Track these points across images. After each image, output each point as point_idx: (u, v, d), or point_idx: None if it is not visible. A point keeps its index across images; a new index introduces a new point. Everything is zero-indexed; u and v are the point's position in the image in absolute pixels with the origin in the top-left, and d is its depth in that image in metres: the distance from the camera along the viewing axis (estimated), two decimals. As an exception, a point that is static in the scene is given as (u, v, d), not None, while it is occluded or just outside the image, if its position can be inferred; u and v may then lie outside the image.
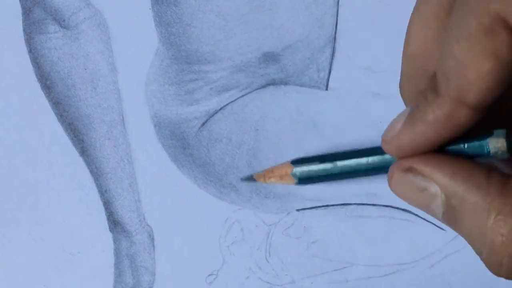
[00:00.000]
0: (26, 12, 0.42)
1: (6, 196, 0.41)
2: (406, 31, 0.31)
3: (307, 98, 0.41)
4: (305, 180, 0.34)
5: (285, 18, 0.41)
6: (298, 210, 0.40)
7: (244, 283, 0.39)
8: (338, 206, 0.39)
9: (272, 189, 0.40)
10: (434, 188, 0.29)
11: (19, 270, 0.40)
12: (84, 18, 0.42)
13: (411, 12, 0.31)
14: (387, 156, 0.33)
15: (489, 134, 0.29)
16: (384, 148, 0.31)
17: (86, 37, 0.42)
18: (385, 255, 0.39)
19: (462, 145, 0.29)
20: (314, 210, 0.40)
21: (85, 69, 0.41)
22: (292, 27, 0.41)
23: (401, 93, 0.33)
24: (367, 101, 0.40)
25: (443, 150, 0.30)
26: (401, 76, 0.33)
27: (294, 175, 0.35)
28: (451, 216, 0.28)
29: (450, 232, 0.39)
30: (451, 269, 0.38)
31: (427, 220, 0.39)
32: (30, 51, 0.42)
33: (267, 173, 0.36)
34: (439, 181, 0.28)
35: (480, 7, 0.25)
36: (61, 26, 0.42)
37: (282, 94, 0.41)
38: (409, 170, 0.30)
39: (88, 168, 0.41)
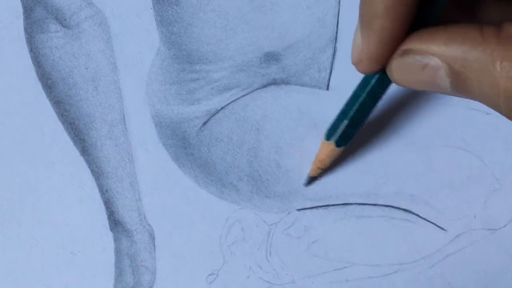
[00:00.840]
0: (27, 11, 0.42)
1: (7, 195, 0.41)
2: None
3: (308, 98, 0.41)
4: (343, 140, 0.37)
5: (286, 18, 0.41)
6: (298, 209, 0.40)
7: (245, 283, 0.39)
8: (339, 206, 0.39)
9: (273, 189, 0.40)
10: (434, 61, 0.28)
11: (20, 269, 0.40)
12: (85, 17, 0.42)
13: None
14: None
15: None
16: (361, 71, 0.32)
17: (87, 37, 0.42)
18: (386, 255, 0.39)
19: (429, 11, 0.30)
20: (314, 210, 0.40)
21: (86, 68, 0.41)
22: (293, 26, 0.41)
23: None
24: (368, 101, 0.40)
25: (424, 28, 0.29)
26: None
27: (331, 142, 0.37)
28: (459, 83, 0.28)
29: (450, 232, 0.39)
30: (451, 269, 0.38)
31: (427, 220, 0.39)
32: (31, 50, 0.42)
33: (315, 163, 0.37)
34: (436, 52, 0.28)
35: None
36: (62, 25, 0.42)
37: (283, 94, 0.41)
38: (406, 52, 0.30)
39: (89, 167, 0.41)
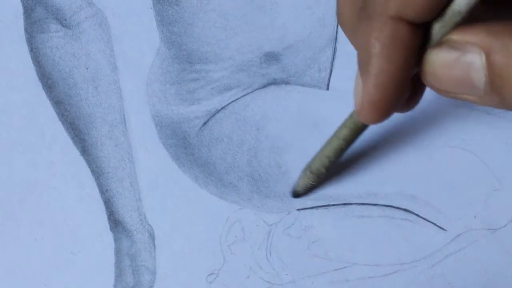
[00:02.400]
0: (28, 11, 0.42)
1: (7, 195, 0.41)
2: None
3: (308, 98, 0.41)
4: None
5: (286, 18, 0.41)
6: (298, 209, 0.40)
7: (245, 283, 0.39)
8: (339, 206, 0.39)
9: (273, 189, 0.40)
10: (471, 51, 0.25)
11: (20, 269, 0.40)
12: (86, 17, 0.42)
13: None
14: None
15: None
16: (363, 119, 0.28)
17: (88, 37, 0.42)
18: (386, 255, 0.39)
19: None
20: (314, 209, 0.40)
21: (87, 68, 0.41)
22: (293, 26, 0.41)
23: (340, 22, 0.30)
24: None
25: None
26: (338, 4, 0.30)
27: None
28: (497, 78, 0.25)
29: (450, 232, 0.39)
30: (452, 269, 0.38)
31: (428, 220, 0.39)
32: (31, 50, 0.42)
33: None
34: (475, 40, 0.25)
35: None
36: (63, 25, 0.42)
37: (283, 94, 0.41)
38: (440, 44, 0.26)
39: (89, 167, 0.41)
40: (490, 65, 0.25)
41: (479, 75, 0.25)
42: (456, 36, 0.26)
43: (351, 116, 0.34)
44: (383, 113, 0.28)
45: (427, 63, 0.27)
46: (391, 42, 0.25)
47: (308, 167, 0.38)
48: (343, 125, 0.35)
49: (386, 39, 0.25)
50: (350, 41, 0.29)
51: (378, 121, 0.29)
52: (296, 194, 0.39)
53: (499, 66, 0.25)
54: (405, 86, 0.27)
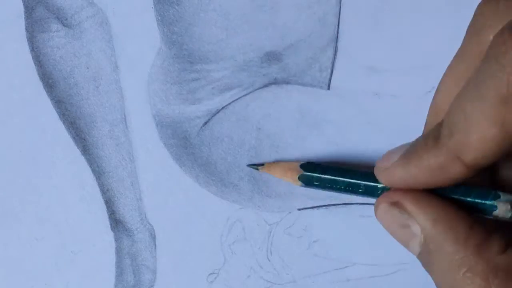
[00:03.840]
0: (29, 11, 0.42)
1: (8, 195, 0.41)
2: (437, 85, 0.32)
3: (309, 97, 0.41)
4: (307, 184, 0.37)
5: (287, 18, 0.41)
6: (299, 209, 0.40)
7: (245, 282, 0.39)
8: (340, 206, 0.39)
9: (274, 188, 0.40)
10: (415, 228, 0.29)
11: (20, 268, 0.40)
12: (87, 16, 0.42)
13: (448, 65, 0.31)
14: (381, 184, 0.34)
15: (495, 195, 0.30)
16: (376, 175, 0.32)
17: (89, 36, 0.42)
18: (387, 255, 0.39)
19: (463, 198, 0.30)
20: (315, 209, 0.40)
21: (87, 67, 0.41)
22: (294, 26, 0.41)
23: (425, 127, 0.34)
24: (369, 101, 0.40)
25: (438, 192, 0.30)
26: (425, 128, 0.34)
27: (300, 177, 0.36)
28: (426, 258, 0.29)
29: (451, 232, 0.39)
30: (452, 269, 0.38)
31: (428, 220, 0.39)
32: (32, 50, 0.42)
33: (273, 166, 0.37)
34: (421, 223, 0.29)
35: (503, 77, 0.25)
36: (64, 25, 0.42)
37: (284, 94, 0.41)
38: (396, 204, 0.30)
39: (90, 166, 0.41)
40: (424, 248, 0.29)
41: (415, 248, 0.30)
42: (410, 207, 0.29)
43: None
44: (395, 187, 0.31)
45: (380, 211, 0.31)
46: (438, 169, 0.28)
47: None
48: None
49: (437, 165, 0.28)
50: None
51: (385, 185, 0.32)
52: None
53: (431, 252, 0.29)
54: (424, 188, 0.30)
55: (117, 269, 0.40)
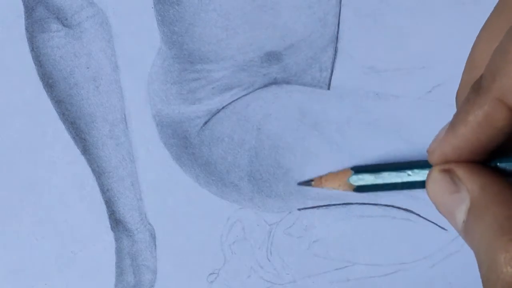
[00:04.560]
0: (29, 11, 0.42)
1: (8, 194, 0.41)
2: (474, 41, 0.31)
3: (309, 97, 0.41)
4: (361, 188, 0.37)
5: (288, 18, 0.41)
6: (299, 209, 0.40)
7: (246, 282, 0.39)
8: (340, 206, 0.39)
9: (274, 189, 0.40)
10: (463, 195, 0.28)
11: (20, 268, 0.40)
12: (87, 16, 0.42)
13: (484, 23, 0.30)
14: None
15: None
16: (429, 159, 0.31)
17: (89, 36, 0.42)
18: (386, 255, 0.39)
19: (505, 164, 0.30)
20: (315, 209, 0.40)
21: (88, 67, 0.41)
22: (295, 26, 0.41)
23: (456, 101, 0.33)
24: (369, 101, 0.40)
25: (487, 164, 0.30)
26: (460, 84, 0.33)
27: (352, 182, 0.36)
28: (470, 226, 0.28)
29: (451, 232, 0.39)
30: (453, 269, 0.38)
31: (428, 220, 0.39)
32: (32, 50, 0.42)
33: (325, 179, 0.37)
34: (470, 187, 0.28)
35: None
36: (64, 25, 0.42)
37: (284, 94, 0.41)
38: (448, 171, 0.29)
39: (90, 166, 0.41)
40: (469, 215, 0.28)
41: (460, 215, 0.29)
42: (461, 172, 0.29)
43: None
44: (447, 163, 0.30)
45: (432, 178, 0.30)
46: (484, 119, 0.27)
47: None
48: None
49: (482, 115, 0.27)
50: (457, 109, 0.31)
51: (439, 164, 0.31)
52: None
53: (475, 218, 0.28)
54: (476, 155, 0.29)
55: (117, 269, 0.40)
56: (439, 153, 0.30)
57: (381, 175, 0.37)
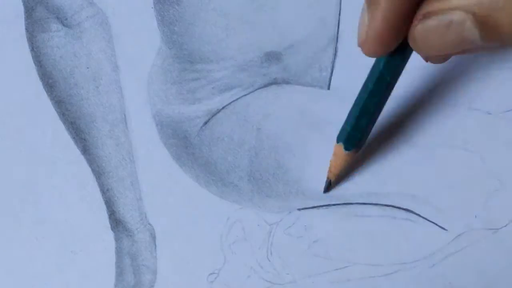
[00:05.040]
0: (29, 11, 0.42)
1: (8, 194, 0.41)
2: None
3: (309, 97, 0.41)
4: (352, 144, 0.37)
5: (287, 18, 0.41)
6: (299, 209, 0.40)
7: (246, 282, 0.39)
8: (340, 206, 0.39)
9: (274, 188, 0.40)
10: (458, 16, 0.27)
11: (20, 268, 0.40)
12: (87, 16, 0.42)
13: None
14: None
15: None
16: (366, 52, 0.30)
17: (89, 36, 0.42)
18: (387, 255, 0.39)
19: None
20: (315, 209, 0.40)
21: (87, 67, 0.41)
22: (294, 26, 0.41)
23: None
24: (369, 101, 0.40)
25: None
26: None
27: (340, 145, 0.37)
28: (488, 29, 0.27)
29: (451, 232, 0.39)
30: (452, 269, 0.38)
31: (428, 220, 0.39)
32: (32, 50, 0.42)
33: (330, 166, 0.37)
34: (459, 4, 0.27)
35: None
36: (64, 25, 0.42)
37: (284, 94, 0.41)
38: (426, 16, 0.28)
39: (90, 166, 0.41)
40: (480, 22, 0.27)
41: (473, 32, 0.27)
42: (439, 5, 0.28)
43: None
44: (385, 46, 0.30)
45: (418, 36, 0.29)
46: None
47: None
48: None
49: None
50: None
51: (379, 54, 0.31)
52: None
53: (489, 17, 0.27)
54: (409, 22, 0.29)
55: (117, 269, 0.40)
56: (375, 33, 0.29)
57: (350, 115, 0.36)
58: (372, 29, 0.29)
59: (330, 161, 0.38)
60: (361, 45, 0.30)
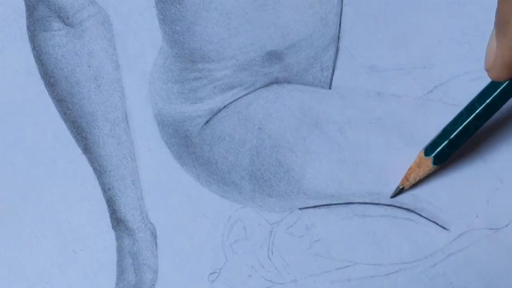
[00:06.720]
0: (30, 10, 0.42)
1: (9, 193, 0.41)
2: None
3: (310, 97, 0.41)
4: (443, 160, 0.37)
5: (289, 17, 0.41)
6: (300, 208, 0.40)
7: (247, 282, 0.39)
8: (341, 205, 0.39)
9: (275, 188, 0.40)
10: None
11: (22, 268, 0.40)
12: (88, 15, 0.42)
13: None
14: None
15: None
16: (492, 77, 0.32)
17: (90, 35, 0.42)
18: (388, 254, 0.39)
19: None
20: (317, 208, 0.40)
21: (89, 66, 0.41)
22: (296, 26, 0.41)
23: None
24: (371, 100, 0.40)
25: None
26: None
27: (429, 158, 0.37)
28: None
29: (452, 231, 0.39)
30: (454, 268, 0.38)
31: (429, 220, 0.39)
32: (34, 49, 0.42)
33: (407, 175, 0.37)
34: None
35: None
36: (65, 24, 0.42)
37: (285, 93, 0.41)
38: None
39: (91, 165, 0.41)
40: None
41: None
42: None
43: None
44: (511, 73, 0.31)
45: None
46: None
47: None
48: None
49: None
50: (498, 5, 0.31)
51: (504, 79, 0.32)
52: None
53: None
54: None
55: (118, 268, 0.40)
56: (503, 61, 0.31)
57: (448, 131, 0.37)
58: (500, 56, 0.31)
59: (409, 170, 0.38)
60: (488, 70, 0.32)
